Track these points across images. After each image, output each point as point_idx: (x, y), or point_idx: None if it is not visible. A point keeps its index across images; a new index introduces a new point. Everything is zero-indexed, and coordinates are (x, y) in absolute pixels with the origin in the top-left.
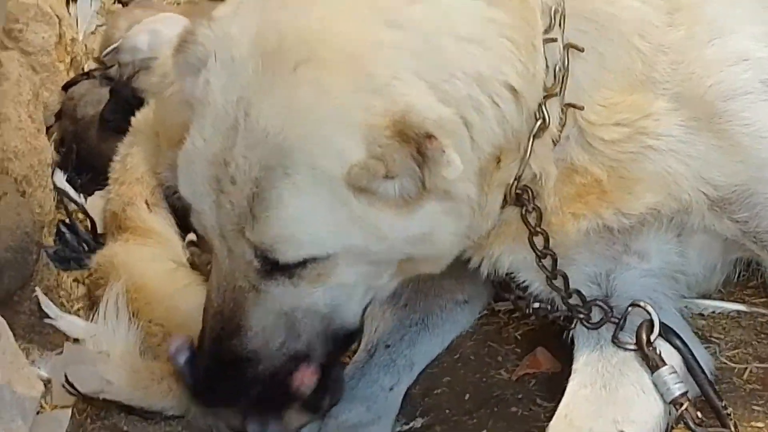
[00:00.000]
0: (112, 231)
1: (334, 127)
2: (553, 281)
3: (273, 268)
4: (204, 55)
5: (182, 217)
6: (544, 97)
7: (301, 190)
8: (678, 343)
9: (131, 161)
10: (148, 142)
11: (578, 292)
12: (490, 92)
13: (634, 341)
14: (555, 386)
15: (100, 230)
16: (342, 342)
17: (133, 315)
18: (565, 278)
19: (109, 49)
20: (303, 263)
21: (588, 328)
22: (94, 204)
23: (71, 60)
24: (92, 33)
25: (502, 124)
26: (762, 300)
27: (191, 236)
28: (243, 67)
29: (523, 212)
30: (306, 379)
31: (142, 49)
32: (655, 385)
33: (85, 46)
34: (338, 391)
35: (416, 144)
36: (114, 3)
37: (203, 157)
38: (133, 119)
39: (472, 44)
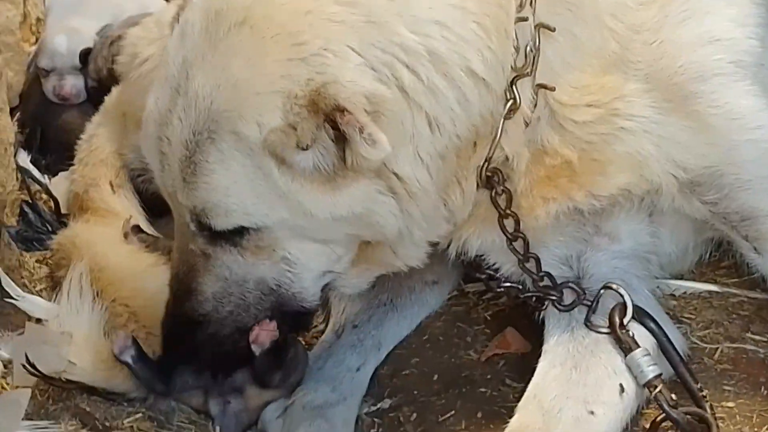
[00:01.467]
0: (75, 212)
1: (256, 93)
2: (525, 264)
3: (213, 234)
4: None
5: (147, 200)
6: (515, 78)
7: (225, 157)
8: (652, 325)
9: (96, 142)
10: (115, 122)
11: (549, 275)
12: (448, 76)
13: (607, 324)
14: (524, 367)
15: (63, 211)
16: (294, 320)
17: (96, 295)
18: (537, 261)
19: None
20: (240, 232)
21: (560, 310)
22: (58, 184)
23: (36, 39)
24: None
25: (466, 107)
26: (733, 280)
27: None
28: (191, 30)
29: (493, 195)
30: (263, 334)
31: (61, 51)
32: (629, 368)
33: None
34: (296, 369)
35: (325, 116)
36: None
37: (153, 118)
38: (106, 99)
39: (432, 27)
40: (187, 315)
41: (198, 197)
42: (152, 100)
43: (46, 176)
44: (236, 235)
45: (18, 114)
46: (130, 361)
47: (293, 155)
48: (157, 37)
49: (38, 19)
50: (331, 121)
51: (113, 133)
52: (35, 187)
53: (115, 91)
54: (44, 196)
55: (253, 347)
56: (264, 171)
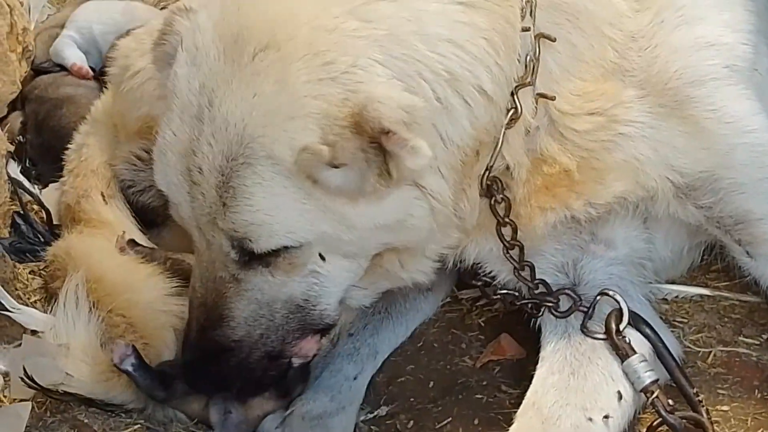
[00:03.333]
0: (67, 223)
1: (289, 116)
2: (520, 272)
3: (250, 257)
4: (178, 46)
5: (138, 211)
6: (516, 87)
7: (263, 179)
8: (647, 330)
9: (87, 152)
10: (105, 132)
11: (544, 283)
12: (462, 93)
13: (604, 330)
14: (519, 372)
15: (55, 221)
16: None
17: (93, 306)
18: (532, 269)
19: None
20: (277, 252)
21: (557, 316)
22: (49, 195)
23: (23, 50)
24: (42, 23)
25: (473, 123)
26: (725, 284)
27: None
28: (205, 56)
29: (492, 203)
30: (306, 347)
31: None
32: (626, 374)
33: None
34: (306, 380)
35: (371, 138)
36: None
37: (174, 149)
38: (92, 107)
39: (446, 45)
40: (219, 342)
41: (240, 221)
42: (168, 131)
43: (36, 187)
44: (272, 256)
45: (8, 125)
46: (130, 369)
47: (322, 173)
48: (150, 48)
49: (24, 29)
50: (376, 142)
51: (103, 144)
52: (26, 197)
53: (102, 99)
54: (35, 207)
55: (295, 360)
56: (305, 190)
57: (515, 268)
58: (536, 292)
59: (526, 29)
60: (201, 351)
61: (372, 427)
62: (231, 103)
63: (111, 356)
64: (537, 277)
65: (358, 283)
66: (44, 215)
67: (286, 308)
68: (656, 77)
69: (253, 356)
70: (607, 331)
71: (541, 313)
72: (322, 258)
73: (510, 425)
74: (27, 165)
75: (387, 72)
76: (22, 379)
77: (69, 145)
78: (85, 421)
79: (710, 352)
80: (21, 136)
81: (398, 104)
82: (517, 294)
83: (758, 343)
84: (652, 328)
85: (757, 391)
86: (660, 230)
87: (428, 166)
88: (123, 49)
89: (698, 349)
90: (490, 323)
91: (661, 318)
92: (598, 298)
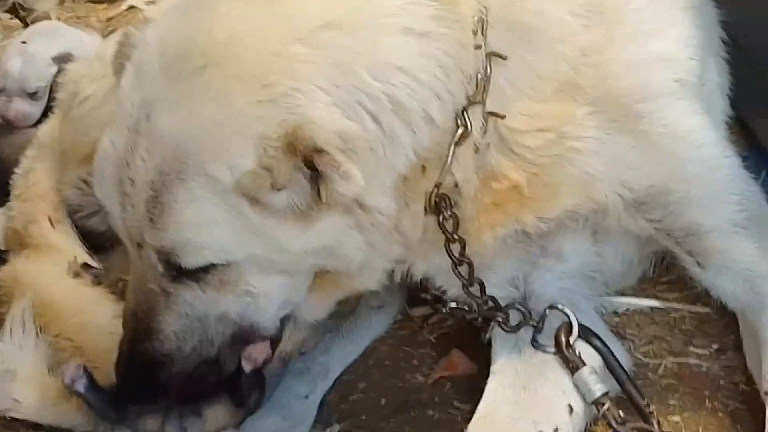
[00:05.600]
0: (14, 248)
1: (227, 136)
2: (469, 288)
3: (178, 272)
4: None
5: (85, 235)
6: (466, 105)
7: (195, 197)
8: (597, 343)
9: (34, 177)
10: (53, 156)
11: (493, 299)
12: (408, 122)
13: (554, 343)
14: (471, 388)
15: (2, 247)
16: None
17: (40, 330)
18: (482, 285)
19: None
20: (206, 269)
21: (506, 331)
22: None
23: None
24: None
25: (417, 149)
26: (674, 295)
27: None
28: (148, 70)
29: (440, 220)
30: (256, 352)
31: (13, 74)
32: (576, 387)
33: None
34: (262, 387)
35: (303, 157)
36: (11, 19)
37: (110, 159)
38: (38, 131)
39: (396, 75)
40: (148, 354)
41: (167, 237)
42: (107, 141)
43: None
44: (202, 272)
45: None
46: (82, 390)
47: (267, 196)
48: (99, 74)
49: None
50: (309, 162)
51: (51, 169)
52: None
53: (49, 124)
54: None
55: (244, 364)
56: (237, 210)
57: (464, 284)
58: (485, 308)
59: (478, 47)
60: (131, 363)
61: None
62: (168, 118)
63: (60, 380)
64: (487, 292)
65: (309, 299)
66: None
67: (221, 324)
68: (607, 94)
69: (187, 367)
70: (557, 345)
71: (491, 328)
72: (256, 277)
73: None
74: None
75: (328, 99)
76: None
77: (14, 172)
78: None
79: (660, 363)
80: None
81: (334, 129)
82: (467, 309)
83: (708, 353)
84: (602, 341)
85: (707, 401)
86: (610, 242)
87: (361, 194)
88: (72, 74)
89: (649, 361)
90: (442, 340)
91: (611, 330)
92: (548, 311)
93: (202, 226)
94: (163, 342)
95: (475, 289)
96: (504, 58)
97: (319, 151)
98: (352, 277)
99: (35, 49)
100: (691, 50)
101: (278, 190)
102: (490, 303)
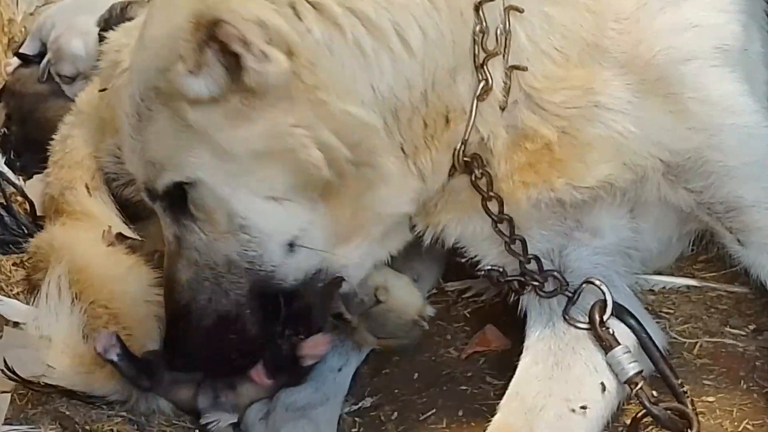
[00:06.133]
0: (51, 215)
1: (163, 46)
2: (511, 246)
3: (166, 204)
4: None
5: (122, 204)
6: (485, 58)
7: (153, 114)
8: (632, 321)
9: (72, 144)
10: (91, 123)
11: (537, 258)
12: (383, 42)
13: (587, 320)
14: (504, 364)
15: (39, 213)
16: (277, 306)
17: (75, 297)
18: (524, 243)
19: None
20: (182, 196)
21: (540, 296)
22: (33, 187)
23: (9, 41)
24: (31, 14)
25: (406, 77)
26: (711, 274)
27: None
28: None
29: (473, 179)
30: (316, 343)
31: (81, 55)
32: (609, 365)
33: (24, 27)
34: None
35: (207, 31)
36: None
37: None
38: (76, 98)
39: None
40: (170, 308)
41: (141, 165)
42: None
43: (20, 178)
44: (181, 200)
45: None
46: (115, 359)
47: (185, 82)
48: None
49: (10, 20)
50: (214, 38)
51: (89, 136)
52: (10, 189)
53: (87, 91)
54: (19, 198)
55: (308, 360)
56: (180, 115)
57: (506, 242)
58: (527, 267)
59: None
60: (168, 318)
61: (356, 418)
62: (137, 50)
63: (93, 348)
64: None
65: (341, 248)
66: (28, 207)
67: (231, 272)
68: (638, 58)
69: (205, 322)
70: (591, 322)
71: (525, 291)
72: (237, 202)
73: (494, 416)
74: (11, 157)
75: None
76: (2, 371)
77: (53, 137)
78: (67, 413)
79: (696, 343)
80: (5, 128)
81: (254, 18)
82: (501, 270)
83: (744, 333)
84: (636, 319)
85: (742, 381)
86: (648, 219)
87: (289, 81)
88: (113, 43)
89: (684, 340)
90: (476, 314)
91: (646, 309)
92: (583, 286)
93: (158, 142)
94: (181, 293)
95: (516, 246)
96: (521, 11)
97: (218, 21)
98: (365, 206)
99: (87, 25)
100: (731, 15)
101: (191, 73)
102: (533, 263)
